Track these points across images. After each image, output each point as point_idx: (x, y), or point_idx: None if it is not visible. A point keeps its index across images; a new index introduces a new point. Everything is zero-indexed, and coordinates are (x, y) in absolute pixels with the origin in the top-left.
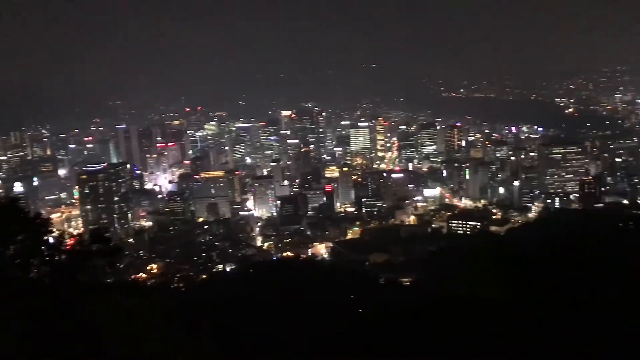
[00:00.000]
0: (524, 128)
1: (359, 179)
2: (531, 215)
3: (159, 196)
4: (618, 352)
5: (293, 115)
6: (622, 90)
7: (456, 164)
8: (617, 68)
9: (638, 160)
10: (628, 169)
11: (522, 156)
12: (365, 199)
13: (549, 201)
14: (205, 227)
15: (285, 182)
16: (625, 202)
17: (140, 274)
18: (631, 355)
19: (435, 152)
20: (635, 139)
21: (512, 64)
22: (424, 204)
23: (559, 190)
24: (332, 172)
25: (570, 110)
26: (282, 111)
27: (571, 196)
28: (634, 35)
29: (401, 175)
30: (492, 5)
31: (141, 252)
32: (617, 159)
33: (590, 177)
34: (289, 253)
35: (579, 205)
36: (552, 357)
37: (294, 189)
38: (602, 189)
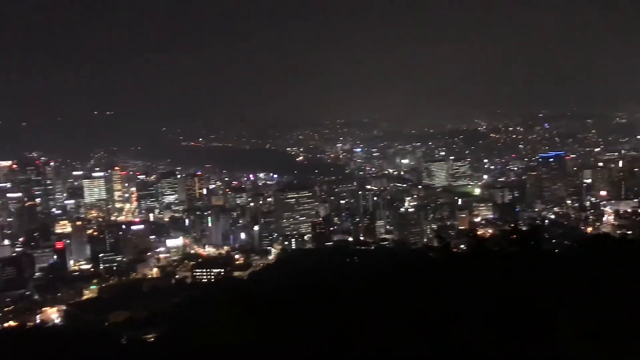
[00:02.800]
0: (261, 175)
1: (95, 233)
2: (271, 257)
3: None
4: None
5: (14, 166)
6: (341, 140)
7: (198, 212)
8: (337, 121)
9: (358, 202)
10: (350, 210)
11: (261, 202)
12: (102, 254)
13: (286, 243)
14: None
15: (6, 242)
16: (350, 239)
17: None
18: None
19: (177, 201)
20: (355, 183)
21: (247, 115)
22: (167, 254)
23: (295, 232)
24: (64, 227)
25: (301, 158)
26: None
27: (305, 237)
28: (349, 92)
29: (141, 226)
30: (226, 61)
31: None
32: (341, 201)
33: (320, 219)
34: (11, 323)
35: (312, 245)
36: None
37: (17, 249)
38: (331, 228)
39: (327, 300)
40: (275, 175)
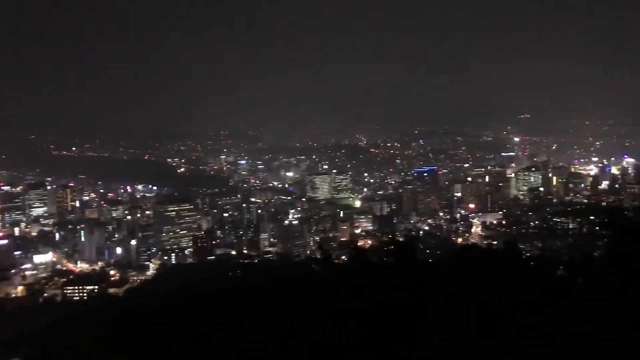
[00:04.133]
0: (139, 187)
1: None
2: (149, 272)
3: None
4: None
5: None
6: (225, 152)
7: (70, 226)
8: (221, 132)
9: (242, 215)
10: (234, 223)
11: (139, 215)
12: None
13: (165, 258)
14: None
15: None
16: (233, 252)
17: None
18: None
19: (46, 214)
20: (239, 196)
21: (125, 124)
22: (34, 272)
23: (175, 246)
24: None
25: (182, 169)
26: None
27: (186, 251)
28: (234, 104)
29: (5, 241)
30: (106, 68)
31: None
32: (224, 214)
33: (202, 232)
34: None
35: (193, 259)
36: None
37: None
38: (213, 242)
39: (205, 315)
40: (155, 187)
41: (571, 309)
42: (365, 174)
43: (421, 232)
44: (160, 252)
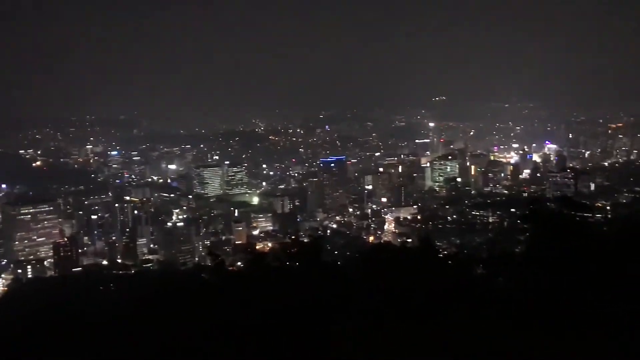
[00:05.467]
0: None
1: None
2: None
3: None
4: None
5: None
6: (92, 141)
7: None
8: (87, 117)
9: (115, 217)
10: (104, 227)
11: None
12: None
13: (19, 271)
14: None
15: None
16: (105, 262)
17: None
18: None
19: None
20: (110, 194)
21: None
22: None
23: (31, 256)
24: None
25: (39, 163)
26: None
27: (46, 262)
28: (103, 85)
29: None
30: None
31: None
32: (93, 217)
33: (65, 239)
34: None
35: (55, 272)
36: None
37: None
38: (79, 250)
39: (67, 340)
40: (4, 185)
41: (490, 309)
42: (264, 166)
43: (328, 231)
44: (12, 265)
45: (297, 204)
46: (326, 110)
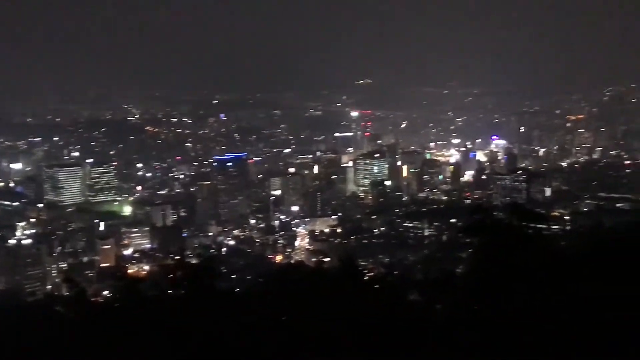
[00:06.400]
0: None
1: None
2: None
3: None
4: None
5: None
6: None
7: None
8: None
9: None
10: None
11: None
12: None
13: None
14: None
15: None
16: None
17: None
18: None
19: None
20: None
21: None
22: None
23: None
24: None
25: None
26: None
27: None
28: None
29: None
30: None
31: None
32: None
33: None
34: None
35: None
36: None
37: None
38: None
39: None
40: None
41: (426, 344)
42: (139, 165)
43: (224, 249)
44: None
45: (183, 214)
46: (222, 94)
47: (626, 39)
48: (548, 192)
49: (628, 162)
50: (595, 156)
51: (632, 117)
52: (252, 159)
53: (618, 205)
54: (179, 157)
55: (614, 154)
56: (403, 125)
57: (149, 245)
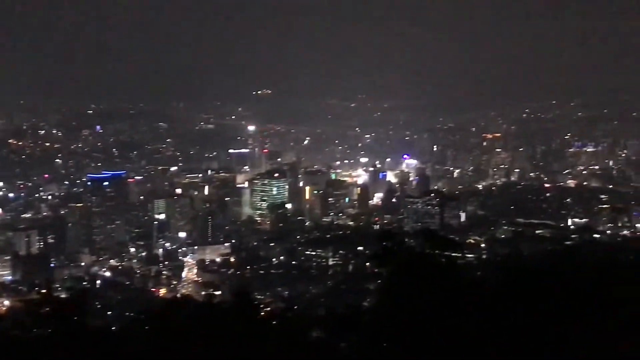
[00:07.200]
0: None
1: None
2: None
3: None
4: None
5: None
6: None
7: None
8: None
9: None
10: None
11: None
12: None
13: None
14: None
15: None
16: None
17: None
18: None
19: None
20: None
21: None
22: None
23: None
24: None
25: None
26: None
27: None
28: None
29: None
30: None
31: None
32: None
33: None
34: None
35: None
36: None
37: None
38: None
39: None
40: None
41: None
42: (0, 184)
43: (99, 282)
44: None
45: (51, 241)
46: (98, 104)
47: (545, 55)
48: (463, 217)
49: (548, 185)
50: (513, 178)
51: (551, 136)
52: (132, 177)
53: (537, 231)
54: (47, 175)
55: (533, 175)
56: (306, 142)
57: (10, 277)
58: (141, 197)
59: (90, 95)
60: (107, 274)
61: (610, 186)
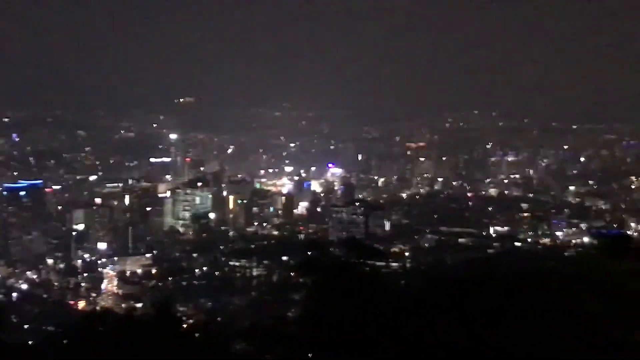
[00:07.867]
0: None
1: None
2: None
3: None
4: None
5: None
6: None
7: None
8: None
9: None
10: None
11: None
12: None
13: None
14: None
15: None
16: None
17: None
18: None
19: None
20: None
21: None
22: None
23: None
24: None
25: None
26: None
27: None
28: None
29: None
30: None
31: None
32: None
33: None
34: None
35: None
36: None
37: None
38: None
39: None
40: None
41: None
42: None
43: (15, 294)
44: None
45: None
46: (14, 111)
47: (468, 64)
48: (387, 225)
49: (470, 193)
50: (437, 187)
51: (473, 145)
52: (50, 187)
53: (460, 240)
54: None
55: (456, 184)
56: (230, 150)
57: None
58: (59, 207)
59: (6, 102)
60: (24, 286)
61: (531, 195)
